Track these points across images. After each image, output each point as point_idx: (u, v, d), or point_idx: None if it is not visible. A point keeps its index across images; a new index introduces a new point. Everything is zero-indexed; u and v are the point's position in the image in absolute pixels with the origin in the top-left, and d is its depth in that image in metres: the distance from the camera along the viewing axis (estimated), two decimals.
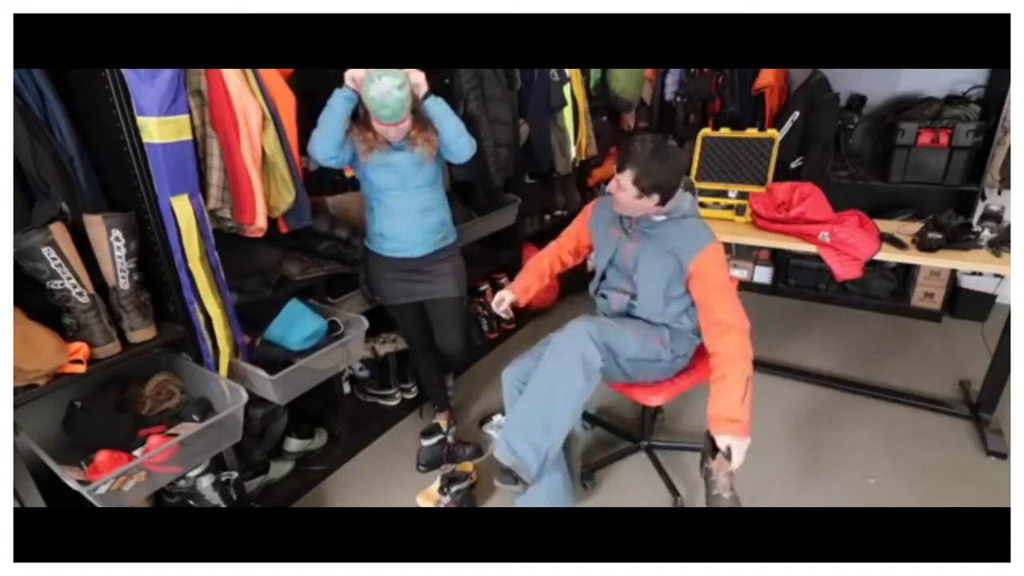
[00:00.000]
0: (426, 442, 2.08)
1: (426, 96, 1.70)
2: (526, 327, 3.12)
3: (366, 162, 1.73)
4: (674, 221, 1.60)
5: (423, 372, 2.22)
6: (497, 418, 2.25)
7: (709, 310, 1.55)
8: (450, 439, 2.13)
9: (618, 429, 2.19)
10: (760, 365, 2.60)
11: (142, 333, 1.44)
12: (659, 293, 1.63)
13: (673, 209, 1.59)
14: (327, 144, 1.67)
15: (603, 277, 1.79)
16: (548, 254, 1.92)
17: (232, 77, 1.42)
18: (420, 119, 1.74)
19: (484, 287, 2.87)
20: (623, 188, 1.52)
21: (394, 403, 2.38)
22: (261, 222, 1.57)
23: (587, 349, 1.48)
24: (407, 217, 1.82)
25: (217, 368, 1.54)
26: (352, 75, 1.63)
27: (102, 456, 1.31)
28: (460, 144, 1.77)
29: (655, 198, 1.52)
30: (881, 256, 2.03)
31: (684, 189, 1.64)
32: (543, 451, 1.47)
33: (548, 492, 1.65)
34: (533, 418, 1.48)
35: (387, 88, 1.55)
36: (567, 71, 2.73)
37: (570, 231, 1.89)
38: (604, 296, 1.78)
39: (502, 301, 1.83)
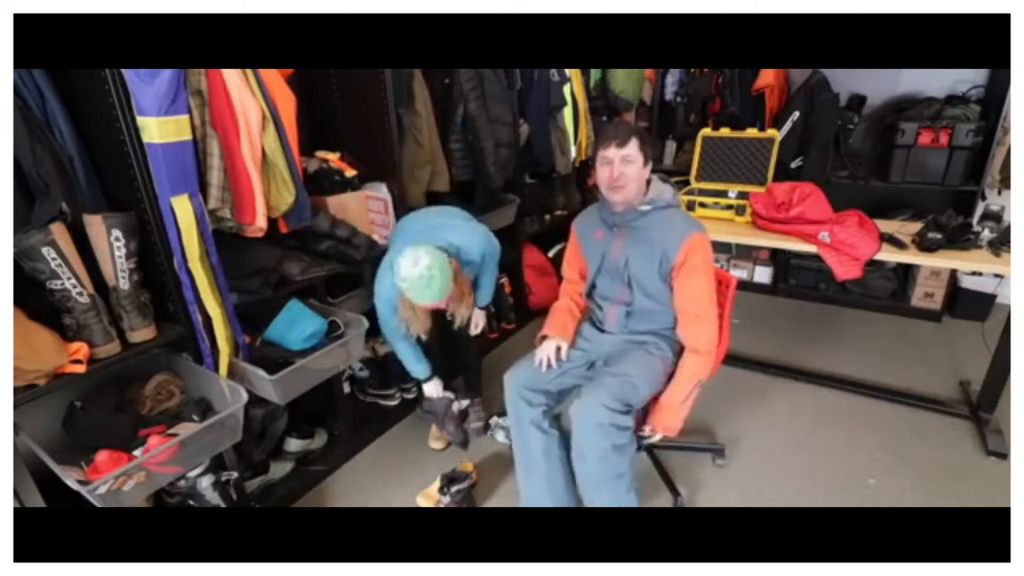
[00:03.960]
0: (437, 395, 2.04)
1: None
2: (526, 327, 3.12)
3: None
4: (659, 211, 1.58)
5: None
6: (495, 419, 2.25)
7: (689, 298, 1.56)
8: (454, 408, 2.04)
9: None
10: (761, 365, 2.62)
11: (142, 333, 1.44)
12: (657, 288, 1.60)
13: (657, 197, 1.58)
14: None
15: (594, 286, 1.74)
16: (564, 292, 1.84)
17: (232, 77, 1.42)
18: (462, 286, 1.73)
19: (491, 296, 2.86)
20: (632, 160, 1.51)
21: (394, 403, 2.38)
22: (261, 222, 1.57)
23: (611, 420, 1.49)
24: None
25: (217, 368, 1.54)
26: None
27: (102, 456, 1.31)
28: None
29: (649, 168, 1.56)
30: (881, 256, 2.04)
31: (661, 180, 1.65)
32: (633, 488, 1.58)
33: (551, 492, 1.66)
34: (613, 484, 1.55)
35: (418, 277, 1.55)
36: (567, 71, 2.73)
37: (568, 258, 1.83)
38: (600, 308, 1.73)
39: (559, 350, 1.69)
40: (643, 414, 1.65)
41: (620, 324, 1.68)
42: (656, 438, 1.63)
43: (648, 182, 1.60)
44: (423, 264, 1.55)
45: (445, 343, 2.13)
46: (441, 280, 1.58)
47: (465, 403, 2.11)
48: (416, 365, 1.98)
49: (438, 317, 2.01)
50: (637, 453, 1.63)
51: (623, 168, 1.52)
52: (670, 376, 1.62)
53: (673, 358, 1.64)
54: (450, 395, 2.05)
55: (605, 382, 1.55)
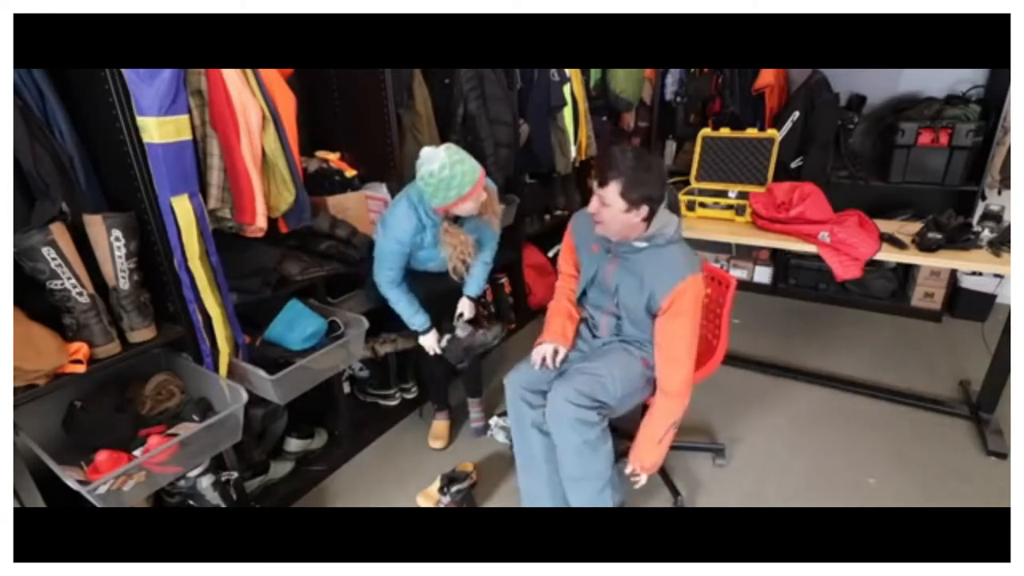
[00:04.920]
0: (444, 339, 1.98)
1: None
2: (527, 326, 3.12)
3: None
4: (656, 249, 1.48)
5: (427, 371, 2.22)
6: (494, 419, 2.25)
7: (668, 340, 1.51)
8: (460, 333, 1.98)
9: (618, 429, 2.19)
10: (760, 366, 2.62)
11: (142, 333, 1.44)
12: (642, 318, 1.58)
13: (656, 234, 1.47)
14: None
15: (584, 293, 1.72)
16: (561, 293, 1.77)
17: (232, 77, 1.42)
18: (491, 194, 1.76)
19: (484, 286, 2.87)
20: (608, 204, 1.39)
21: (394, 403, 2.38)
22: (261, 222, 1.57)
23: (576, 414, 1.49)
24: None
25: (217, 368, 1.54)
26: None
27: (102, 456, 1.31)
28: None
29: (643, 211, 1.40)
30: (881, 256, 2.04)
31: (669, 209, 1.51)
32: (610, 487, 1.58)
33: (552, 492, 1.66)
34: (588, 483, 1.56)
35: (441, 169, 1.54)
36: (567, 71, 2.73)
37: (563, 254, 1.79)
38: (592, 316, 1.72)
39: (556, 353, 1.66)
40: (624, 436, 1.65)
41: (612, 331, 1.69)
42: (642, 480, 1.60)
43: (651, 216, 1.45)
44: (443, 153, 1.55)
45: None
46: (468, 160, 1.58)
47: (463, 322, 2.01)
48: (415, 316, 1.91)
49: (438, 315, 2.01)
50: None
51: (599, 207, 1.43)
52: (653, 381, 1.63)
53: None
54: (448, 337, 1.98)
55: (572, 378, 1.57)
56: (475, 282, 2.03)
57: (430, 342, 1.98)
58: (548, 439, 1.64)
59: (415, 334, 2.04)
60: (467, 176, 1.59)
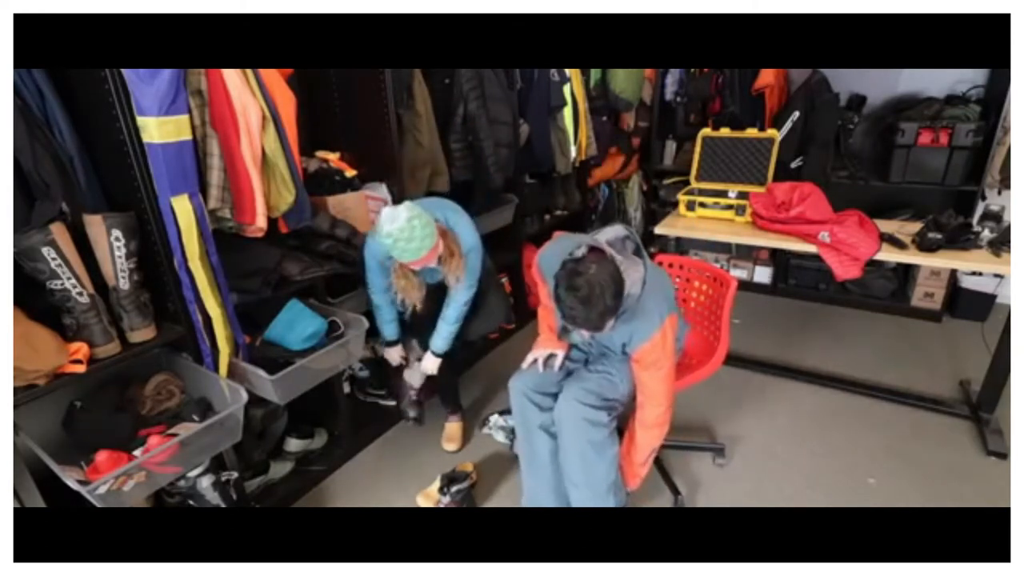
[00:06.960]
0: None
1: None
2: (526, 327, 3.12)
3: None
4: (622, 318, 1.41)
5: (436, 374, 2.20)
6: (494, 418, 2.25)
7: (643, 386, 1.53)
8: (407, 372, 2.00)
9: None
10: (760, 365, 2.62)
11: (142, 333, 1.44)
12: (617, 357, 1.60)
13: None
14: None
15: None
16: (546, 310, 1.76)
17: (232, 77, 1.42)
18: (450, 244, 1.71)
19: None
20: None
21: (394, 403, 2.38)
22: (261, 222, 1.57)
23: (585, 415, 1.51)
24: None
25: (217, 368, 1.54)
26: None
27: (102, 456, 1.32)
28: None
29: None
30: (881, 256, 2.04)
31: (636, 254, 1.41)
32: (612, 490, 1.60)
33: (556, 494, 1.66)
34: (592, 487, 1.58)
35: (388, 235, 1.52)
36: (567, 71, 2.73)
37: (540, 288, 1.75)
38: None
39: (551, 358, 1.67)
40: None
41: (587, 341, 1.66)
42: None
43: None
44: (402, 217, 1.52)
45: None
46: (422, 230, 1.53)
47: (416, 370, 1.99)
48: (387, 325, 1.97)
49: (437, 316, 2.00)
50: None
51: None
52: None
53: None
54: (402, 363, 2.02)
55: (583, 378, 1.59)
56: (436, 337, 1.91)
57: (392, 356, 2.02)
58: (555, 441, 1.64)
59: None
60: (407, 253, 1.56)
